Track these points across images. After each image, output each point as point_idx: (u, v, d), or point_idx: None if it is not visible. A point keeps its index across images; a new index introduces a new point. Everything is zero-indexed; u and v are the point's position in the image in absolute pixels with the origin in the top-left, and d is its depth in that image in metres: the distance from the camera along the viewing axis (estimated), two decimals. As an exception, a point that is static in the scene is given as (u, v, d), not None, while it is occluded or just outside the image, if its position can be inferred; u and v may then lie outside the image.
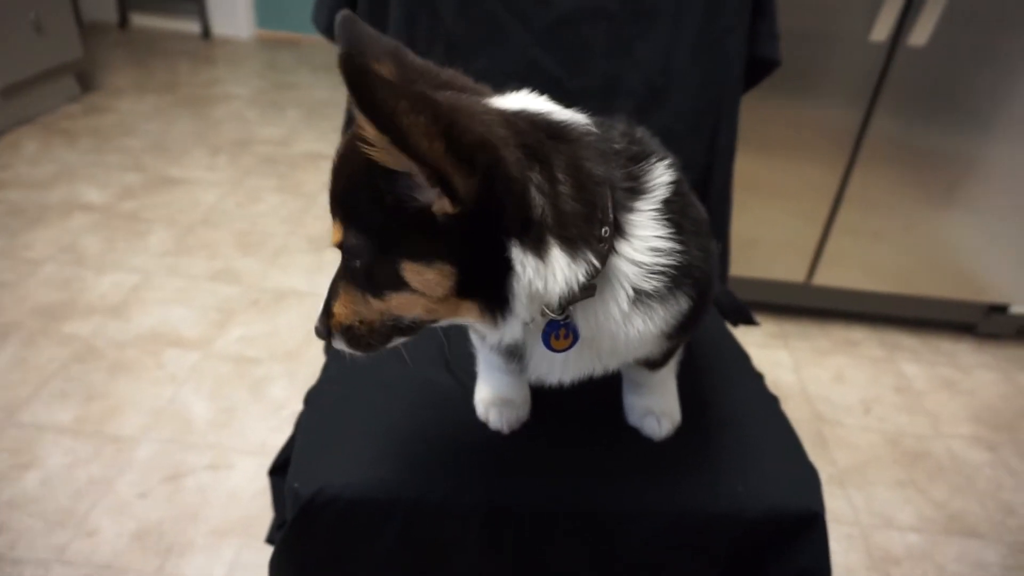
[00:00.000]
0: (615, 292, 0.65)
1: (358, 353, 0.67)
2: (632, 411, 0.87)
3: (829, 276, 2.08)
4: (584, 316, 0.65)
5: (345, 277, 0.65)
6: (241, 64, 3.88)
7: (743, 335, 2.05)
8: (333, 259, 1.83)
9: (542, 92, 1.15)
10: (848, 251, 2.02)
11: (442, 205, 0.54)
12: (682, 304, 0.68)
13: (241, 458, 1.56)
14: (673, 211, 0.67)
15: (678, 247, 0.66)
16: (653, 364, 0.81)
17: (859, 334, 2.18)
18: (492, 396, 0.85)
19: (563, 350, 0.67)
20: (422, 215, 0.56)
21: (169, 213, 2.41)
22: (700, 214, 0.73)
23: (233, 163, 2.79)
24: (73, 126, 2.94)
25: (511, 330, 0.62)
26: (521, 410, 0.85)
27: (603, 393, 0.87)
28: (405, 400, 0.86)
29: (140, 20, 4.26)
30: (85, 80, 3.27)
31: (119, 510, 1.42)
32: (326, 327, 0.67)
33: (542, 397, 0.86)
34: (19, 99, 2.84)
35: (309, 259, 2.26)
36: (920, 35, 1.67)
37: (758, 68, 1.19)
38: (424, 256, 0.58)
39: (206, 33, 4.19)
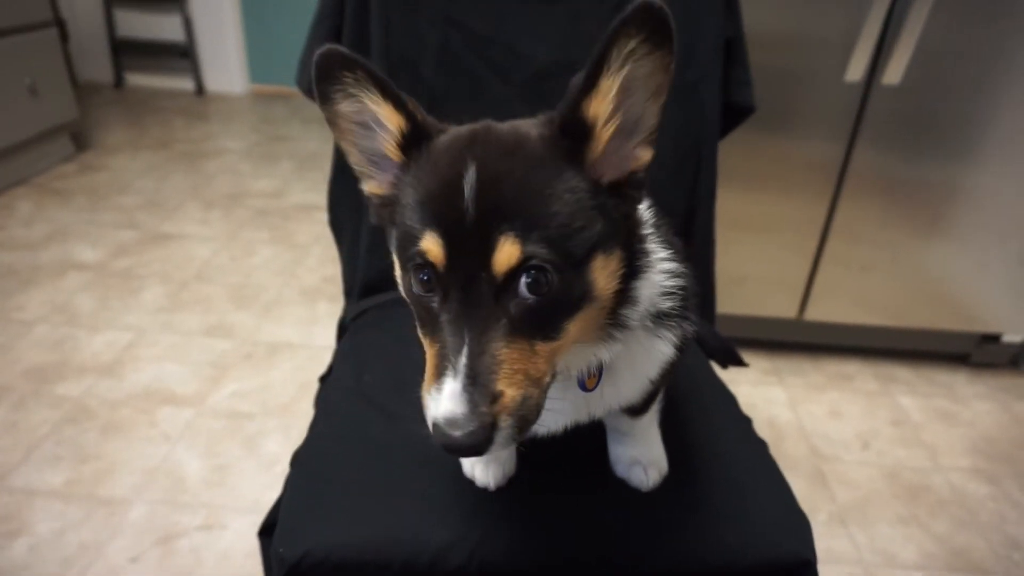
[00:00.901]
0: (641, 315, 0.66)
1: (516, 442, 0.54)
2: (619, 462, 0.87)
3: (820, 311, 2.09)
4: (595, 352, 0.65)
5: (506, 330, 0.53)
6: (234, 119, 3.95)
7: (737, 373, 2.06)
8: (327, 310, 1.82)
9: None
10: (838, 284, 2.03)
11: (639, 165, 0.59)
12: (687, 328, 0.70)
13: (234, 517, 1.54)
14: (663, 235, 0.69)
15: (681, 268, 0.68)
16: (635, 411, 0.82)
17: (853, 368, 2.18)
18: (478, 452, 0.85)
19: (592, 388, 0.67)
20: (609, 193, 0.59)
21: (163, 269, 2.43)
22: (676, 240, 0.75)
23: (227, 217, 2.82)
24: (67, 185, 2.98)
25: (610, 351, 0.64)
26: (507, 465, 0.85)
27: (588, 444, 0.87)
28: (393, 458, 0.86)
29: (135, 79, 4.35)
30: (80, 139, 3.32)
31: (110, 576, 1.40)
32: (488, 425, 0.51)
33: (530, 454, 0.86)
34: (14, 161, 2.88)
35: (302, 310, 2.26)
36: (893, 74, 1.71)
37: (733, 114, 1.21)
38: (608, 241, 0.57)
39: (200, 90, 4.28)
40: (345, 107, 0.62)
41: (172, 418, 1.79)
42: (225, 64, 4.24)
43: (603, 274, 0.57)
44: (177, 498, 1.57)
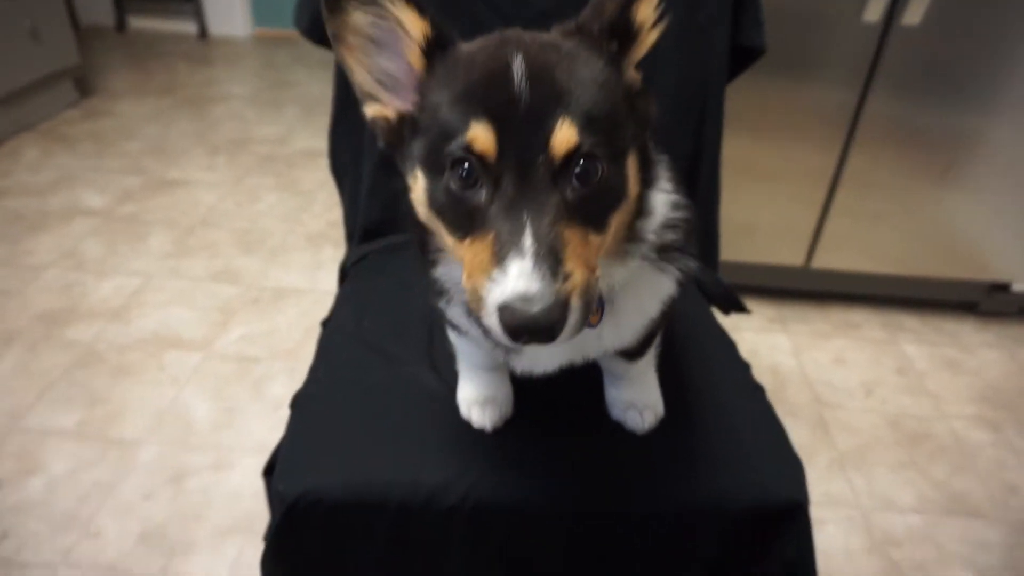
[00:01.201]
0: (648, 244, 0.67)
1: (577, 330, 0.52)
2: (614, 405, 0.87)
3: (828, 259, 2.07)
4: (608, 274, 0.65)
5: (565, 213, 0.53)
6: (239, 63, 3.89)
7: (740, 320, 2.06)
8: (332, 255, 1.81)
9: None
10: (847, 233, 2.01)
11: (637, 79, 0.63)
12: (689, 263, 0.70)
13: (242, 457, 1.57)
14: (669, 168, 0.69)
15: (684, 200, 0.68)
16: (632, 354, 0.82)
17: (860, 316, 2.17)
18: (475, 395, 0.86)
19: (596, 324, 0.68)
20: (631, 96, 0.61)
21: (169, 215, 2.43)
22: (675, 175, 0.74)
23: (232, 163, 2.80)
24: (72, 131, 2.96)
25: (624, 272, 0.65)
26: (504, 407, 0.86)
27: (585, 388, 0.88)
28: (390, 401, 0.87)
29: (137, 23, 4.27)
30: (83, 85, 3.28)
31: (123, 512, 1.44)
32: (563, 302, 0.49)
33: (525, 393, 0.87)
34: (18, 107, 2.86)
35: (307, 256, 2.27)
36: (913, 15, 1.65)
37: (743, 56, 1.18)
38: (635, 142, 0.61)
39: (203, 33, 4.20)
40: (358, 18, 0.59)
41: (180, 362, 1.82)
42: (228, 7, 4.15)
43: (633, 172, 0.60)
44: (186, 439, 1.61)
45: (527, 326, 0.48)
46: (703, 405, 0.91)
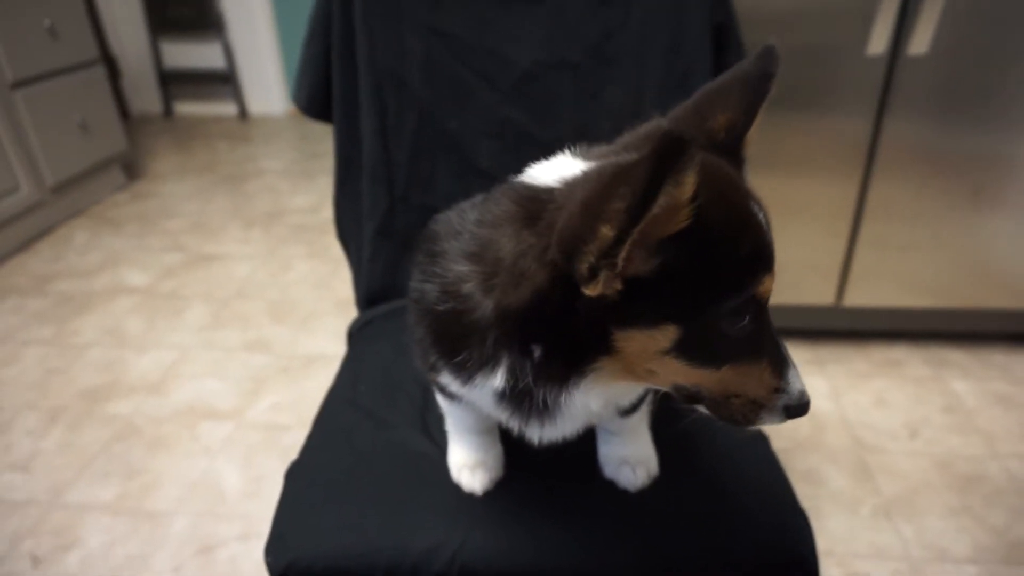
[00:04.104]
0: None
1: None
2: (607, 462, 0.85)
3: (860, 295, 2.00)
4: None
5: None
6: (274, 139, 4.07)
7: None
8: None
9: (515, 146, 1.18)
10: (877, 267, 1.95)
11: None
12: None
13: (270, 526, 1.58)
14: None
15: None
16: (626, 410, 0.80)
17: (901, 353, 2.08)
18: (465, 458, 0.85)
19: None
20: None
21: (206, 289, 2.52)
22: None
23: (266, 234, 2.91)
24: (119, 214, 3.12)
25: None
26: (494, 470, 0.85)
27: (578, 446, 0.86)
28: (380, 466, 0.87)
29: (183, 108, 4.53)
30: (131, 169, 3.48)
31: (154, 586, 1.46)
32: None
33: (516, 454, 0.86)
34: (69, 193, 3.04)
35: (337, 322, 2.31)
36: (920, 44, 1.63)
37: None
38: None
39: (243, 113, 4.43)
40: (664, 200, 0.50)
41: (212, 432, 1.86)
42: (265, 87, 4.38)
43: None
44: (216, 509, 1.63)
45: (806, 410, 0.64)
46: (702, 457, 0.88)
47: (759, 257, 0.59)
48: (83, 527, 1.59)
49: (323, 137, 4.00)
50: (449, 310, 0.68)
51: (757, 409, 0.63)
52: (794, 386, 0.63)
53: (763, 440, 0.93)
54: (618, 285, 0.56)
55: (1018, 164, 1.76)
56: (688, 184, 0.50)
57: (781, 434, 1.01)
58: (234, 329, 2.29)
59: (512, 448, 0.86)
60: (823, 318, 2.08)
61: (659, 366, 0.61)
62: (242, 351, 2.18)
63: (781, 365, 0.63)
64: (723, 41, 1.13)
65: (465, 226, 0.69)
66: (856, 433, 1.79)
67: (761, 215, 0.60)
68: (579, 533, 0.79)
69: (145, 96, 4.48)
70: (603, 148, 0.70)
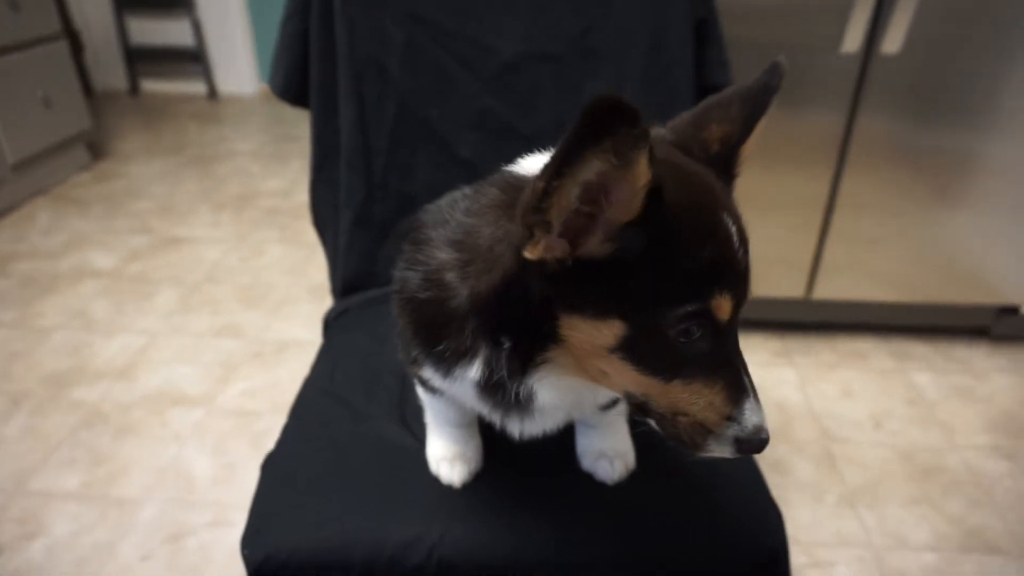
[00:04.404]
0: None
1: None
2: (585, 455, 0.86)
3: (830, 288, 2.04)
4: None
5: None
6: (245, 120, 3.99)
7: (746, 355, 2.03)
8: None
9: (496, 137, 1.18)
10: (846, 260, 1.99)
11: None
12: None
13: (241, 514, 1.53)
14: None
15: None
16: (604, 405, 0.81)
17: (867, 345, 2.13)
18: (443, 450, 0.85)
19: None
20: None
21: (175, 273, 2.48)
22: None
23: (237, 218, 2.86)
24: (84, 194, 3.05)
25: None
26: (473, 463, 0.85)
27: (555, 439, 0.87)
28: (357, 457, 0.86)
29: (150, 85, 4.42)
30: (96, 148, 3.39)
31: (122, 574, 1.44)
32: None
33: (495, 446, 0.86)
34: (32, 172, 2.95)
35: (310, 308, 2.29)
36: (892, 43, 1.66)
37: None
38: None
39: (212, 93, 4.33)
40: (597, 164, 0.49)
41: (182, 418, 1.83)
42: (235, 66, 4.29)
43: None
44: (186, 497, 1.61)
45: (760, 448, 0.61)
46: (677, 451, 0.89)
47: (719, 272, 0.57)
48: (48, 515, 1.56)
49: (296, 120, 3.93)
50: (430, 298, 0.68)
51: (705, 434, 0.60)
52: (749, 419, 0.59)
53: (737, 434, 0.94)
54: (560, 254, 0.55)
55: (984, 163, 1.81)
56: (639, 165, 0.49)
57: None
58: (204, 314, 2.26)
59: (491, 442, 0.86)
60: (793, 310, 2.12)
61: (608, 366, 0.60)
62: (212, 336, 2.15)
63: (738, 393, 0.60)
64: (704, 36, 1.13)
65: (453, 215, 0.69)
66: (822, 424, 1.83)
67: (734, 232, 0.58)
68: (557, 526, 0.79)
69: (110, 72, 4.35)
70: None
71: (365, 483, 0.83)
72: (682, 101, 1.15)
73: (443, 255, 0.68)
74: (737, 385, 0.60)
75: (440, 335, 0.68)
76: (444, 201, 0.75)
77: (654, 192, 0.52)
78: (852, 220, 1.92)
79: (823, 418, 1.85)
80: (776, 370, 2.02)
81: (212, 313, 2.26)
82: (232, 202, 2.99)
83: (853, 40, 1.66)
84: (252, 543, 0.77)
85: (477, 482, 0.84)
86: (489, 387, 0.68)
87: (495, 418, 0.73)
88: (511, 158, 0.96)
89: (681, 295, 0.56)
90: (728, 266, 0.57)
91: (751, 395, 0.60)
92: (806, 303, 2.07)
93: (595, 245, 0.55)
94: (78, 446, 1.75)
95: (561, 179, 0.49)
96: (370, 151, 1.17)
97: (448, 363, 0.69)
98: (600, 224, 0.54)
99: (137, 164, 3.37)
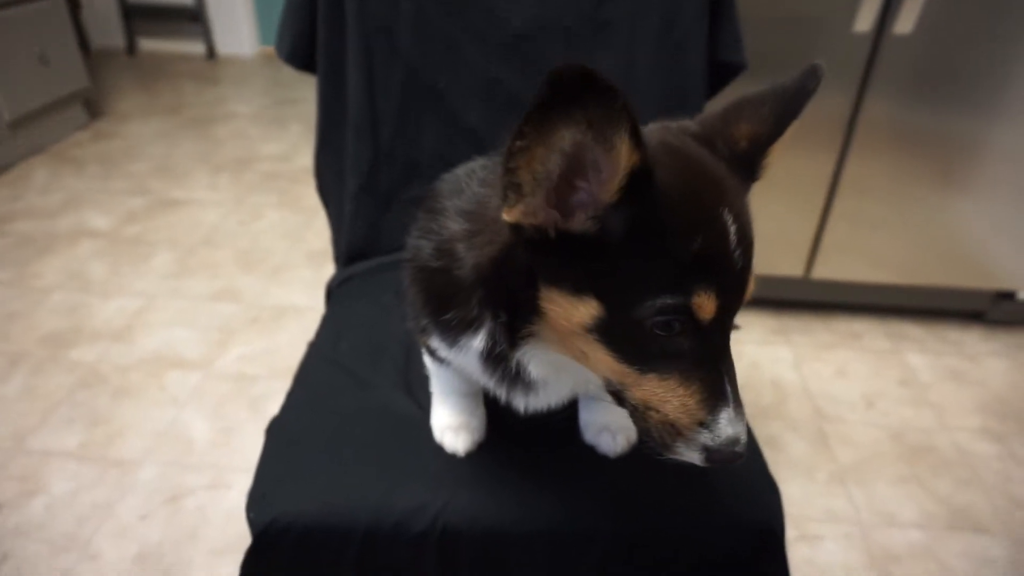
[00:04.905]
0: None
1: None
2: (588, 428, 0.87)
3: (829, 269, 2.05)
4: None
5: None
6: (245, 82, 3.94)
7: (742, 333, 2.04)
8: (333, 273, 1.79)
9: (504, 107, 1.17)
10: (847, 242, 1.99)
11: None
12: None
13: (239, 477, 1.59)
14: None
15: None
16: None
17: (863, 326, 2.14)
18: (448, 419, 0.86)
19: None
20: None
21: (172, 235, 2.46)
22: None
23: (235, 181, 2.84)
24: (81, 153, 3.01)
25: None
26: (477, 432, 0.86)
27: (559, 411, 0.87)
28: (363, 426, 0.87)
29: (147, 45, 4.35)
30: (93, 107, 3.34)
31: (121, 533, 1.46)
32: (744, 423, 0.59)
33: (499, 417, 0.87)
34: (28, 130, 2.92)
35: (309, 274, 2.29)
36: (905, 23, 1.64)
37: (723, 72, 1.18)
38: None
39: (211, 54, 4.27)
40: (569, 134, 0.48)
41: (180, 382, 1.84)
42: (235, 27, 4.22)
43: None
44: (185, 459, 1.62)
45: (732, 461, 0.57)
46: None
47: (705, 268, 0.54)
48: (47, 473, 1.58)
49: (296, 83, 3.88)
50: (441, 268, 0.69)
51: (674, 435, 0.58)
52: (724, 429, 0.56)
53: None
54: (539, 221, 0.54)
55: (988, 148, 1.80)
56: (621, 143, 0.48)
57: (746, 401, 1.03)
58: (202, 277, 2.25)
59: (495, 413, 0.87)
60: (791, 289, 2.13)
61: (586, 346, 0.59)
62: (210, 300, 2.15)
63: (715, 400, 0.57)
64: (718, 11, 1.12)
65: (470, 185, 0.69)
66: (816, 403, 1.85)
67: (733, 231, 0.55)
68: (559, 498, 0.81)
69: (107, 31, 4.28)
70: None
71: (370, 451, 0.84)
72: (694, 77, 1.14)
73: (455, 226, 0.68)
74: (716, 391, 0.57)
75: (448, 305, 0.68)
76: (462, 171, 0.75)
77: (642, 175, 0.51)
78: (855, 202, 1.92)
79: (817, 397, 1.87)
80: (773, 348, 2.04)
81: (210, 277, 2.25)
82: (230, 165, 2.97)
83: (866, 19, 1.64)
84: (257, 507, 0.78)
85: (481, 452, 0.84)
86: (492, 359, 0.68)
87: (500, 392, 0.74)
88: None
89: (660, 285, 0.54)
90: (717, 264, 0.55)
91: (731, 404, 0.57)
92: (805, 282, 2.08)
93: (581, 220, 0.54)
94: (76, 406, 1.75)
95: (526, 141, 0.48)
96: (377, 119, 1.16)
97: (455, 333, 0.70)
98: (590, 199, 0.53)
99: (134, 124, 3.33)
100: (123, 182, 2.80)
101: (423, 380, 0.91)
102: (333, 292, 1.20)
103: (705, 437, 0.57)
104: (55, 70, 2.95)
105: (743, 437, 0.57)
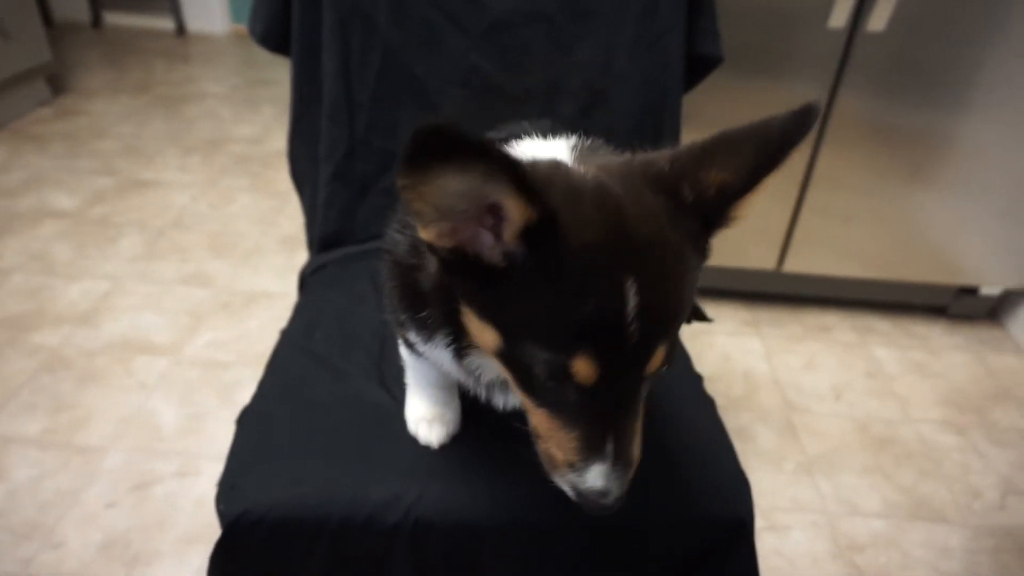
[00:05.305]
0: None
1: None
2: None
3: (800, 262, 2.07)
4: None
5: (638, 410, 0.59)
6: (216, 61, 3.85)
7: (714, 325, 2.06)
8: (306, 259, 1.78)
9: (482, 96, 1.16)
10: (818, 235, 2.01)
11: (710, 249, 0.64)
12: None
13: (208, 464, 1.56)
14: None
15: None
16: None
17: (832, 319, 2.18)
18: (423, 411, 0.85)
19: None
20: None
21: (140, 217, 2.41)
22: None
23: (206, 163, 2.78)
24: (44, 131, 2.92)
25: None
26: (452, 424, 0.86)
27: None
28: (335, 417, 0.86)
29: (113, 18, 4.22)
30: (56, 83, 3.24)
31: (86, 521, 1.43)
32: (628, 486, 0.59)
33: (473, 407, 0.87)
34: (-12, 105, 2.82)
35: (281, 259, 2.26)
36: (878, 21, 1.66)
37: (701, 65, 1.18)
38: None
39: (181, 30, 4.16)
40: (452, 185, 0.47)
41: (148, 367, 1.80)
42: (205, 3, 4.11)
43: None
44: (152, 446, 1.60)
45: (596, 511, 0.58)
46: (652, 418, 0.91)
47: (588, 337, 0.52)
48: (8, 460, 1.54)
49: (269, 63, 3.80)
50: (415, 265, 0.68)
51: (552, 466, 0.60)
52: (592, 480, 0.57)
53: (710, 404, 0.96)
54: (449, 243, 0.52)
55: (957, 144, 1.83)
56: (508, 200, 0.48)
57: (717, 392, 1.05)
58: (171, 261, 2.21)
59: (470, 406, 0.86)
60: (763, 282, 2.16)
61: (499, 366, 0.60)
62: (179, 284, 2.11)
63: (591, 453, 0.57)
64: (697, 4, 1.12)
65: None
66: (786, 394, 1.88)
67: (633, 303, 0.51)
68: (532, 491, 0.80)
69: (71, 3, 4.14)
70: (605, 155, 0.66)
71: (343, 442, 0.83)
72: (672, 68, 1.13)
73: None
74: (593, 446, 0.56)
75: (423, 303, 0.68)
76: None
77: (542, 228, 0.50)
78: (826, 195, 1.94)
79: (787, 388, 1.90)
80: (744, 340, 2.06)
81: (179, 260, 2.21)
82: (201, 146, 2.90)
83: (840, 15, 1.65)
84: (227, 499, 0.77)
85: (455, 444, 0.84)
86: (462, 358, 0.68)
87: (480, 390, 0.74)
88: (497, 119, 0.95)
89: (544, 339, 0.53)
90: (604, 336, 0.52)
91: (607, 461, 0.56)
92: (777, 275, 2.11)
93: (490, 250, 0.53)
94: (39, 391, 1.71)
95: (407, 181, 0.46)
96: (352, 104, 1.14)
97: (430, 330, 0.69)
98: (494, 238, 0.52)
99: (100, 101, 3.24)
100: (89, 161, 2.73)
101: (398, 371, 0.91)
102: (306, 280, 1.18)
103: (573, 479, 0.58)
104: (15, 43, 2.85)
105: (614, 493, 0.57)
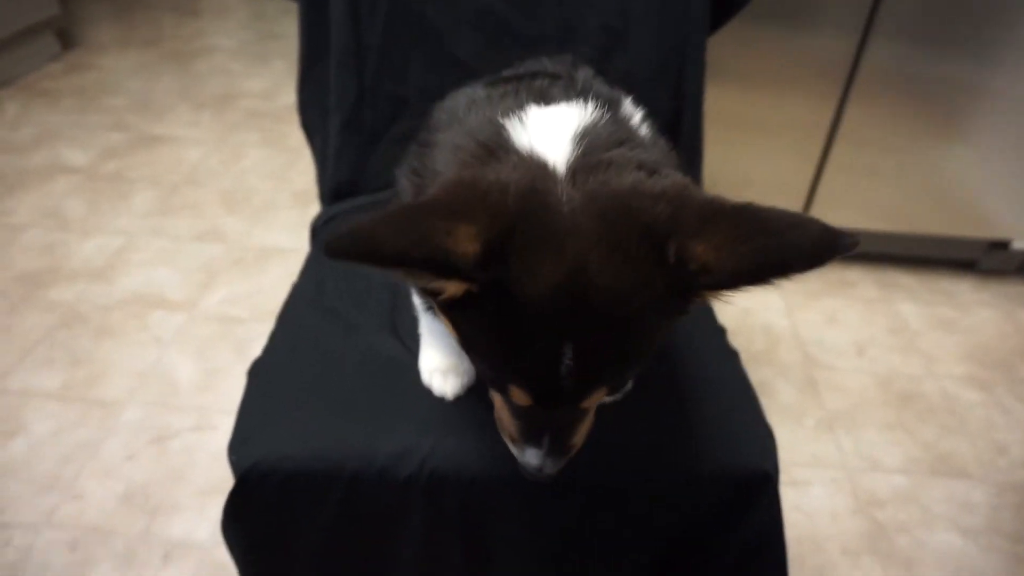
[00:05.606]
0: None
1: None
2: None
3: (824, 216, 1.95)
4: None
5: (580, 419, 0.63)
6: (227, 15, 3.78)
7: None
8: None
9: (496, 39, 1.11)
10: (843, 189, 1.95)
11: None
12: None
13: (225, 419, 1.55)
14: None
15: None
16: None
17: (855, 274, 2.13)
18: (437, 362, 0.83)
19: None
20: None
21: (153, 173, 2.39)
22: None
23: (217, 118, 2.74)
24: (55, 86, 2.89)
25: None
26: (467, 376, 0.84)
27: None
28: (348, 369, 0.84)
29: (122, -29, 4.14)
30: (66, 37, 3.20)
31: (106, 473, 1.45)
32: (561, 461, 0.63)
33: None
34: (-2, 60, 2.79)
35: (294, 215, 2.23)
36: (915, -42, 1.57)
37: (726, 7, 1.12)
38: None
39: (190, -18, 4.07)
40: (378, 272, 0.51)
41: (163, 322, 1.80)
42: (214, -46, 4.02)
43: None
44: (169, 400, 1.60)
45: (533, 480, 0.64)
46: (675, 372, 0.88)
47: (521, 374, 0.55)
48: (28, 413, 1.55)
49: (279, 16, 3.73)
50: None
51: (501, 429, 0.66)
52: (527, 457, 0.62)
53: (734, 357, 0.94)
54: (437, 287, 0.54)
55: (994, 96, 1.75)
56: (445, 283, 0.50)
57: (737, 346, 1.03)
58: (184, 217, 2.19)
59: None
60: (785, 236, 2.10)
61: None
62: (193, 240, 2.10)
63: (527, 437, 0.62)
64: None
65: (468, 116, 0.65)
66: (807, 349, 1.85)
67: (567, 364, 0.51)
68: (549, 442, 0.79)
69: (79, -45, 4.06)
70: (618, 158, 0.59)
71: (355, 394, 0.81)
72: (695, 9, 1.08)
73: (439, 167, 0.63)
74: (531, 438, 0.61)
75: None
76: (462, 99, 0.70)
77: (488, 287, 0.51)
78: (853, 149, 1.87)
79: (808, 344, 1.87)
80: (764, 296, 2.02)
81: (192, 216, 2.19)
82: (212, 102, 2.86)
83: (874, -48, 1.57)
84: (239, 451, 0.76)
85: (470, 396, 0.82)
86: None
87: None
88: (510, 61, 0.91)
89: (487, 360, 0.58)
90: (536, 381, 0.55)
91: (542, 449, 0.60)
92: (799, 229, 2.05)
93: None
94: (56, 347, 1.72)
95: None
96: (361, 49, 1.10)
97: None
98: None
99: (110, 56, 3.20)
100: (100, 117, 2.70)
101: (411, 323, 0.88)
102: (318, 231, 1.16)
103: (514, 449, 0.64)
104: (24, -3, 2.81)
105: (548, 470, 0.61)
